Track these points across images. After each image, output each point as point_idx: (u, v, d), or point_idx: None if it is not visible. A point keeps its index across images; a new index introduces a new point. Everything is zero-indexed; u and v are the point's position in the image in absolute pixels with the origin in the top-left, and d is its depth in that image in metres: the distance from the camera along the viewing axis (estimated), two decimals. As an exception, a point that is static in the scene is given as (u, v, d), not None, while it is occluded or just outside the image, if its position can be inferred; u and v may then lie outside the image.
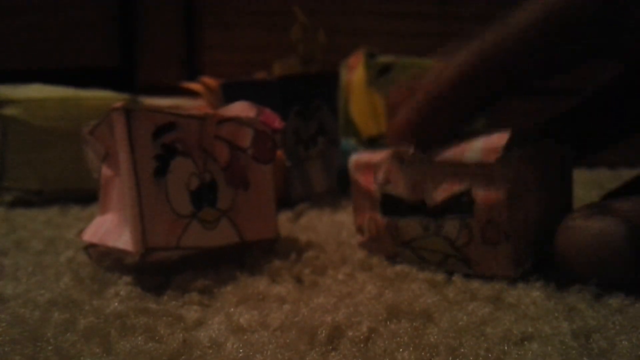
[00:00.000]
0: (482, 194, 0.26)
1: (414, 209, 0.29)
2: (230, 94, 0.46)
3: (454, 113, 0.27)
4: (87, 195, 0.43)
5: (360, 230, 0.32)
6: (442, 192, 0.28)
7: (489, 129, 0.27)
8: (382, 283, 0.27)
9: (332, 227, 0.38)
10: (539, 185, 0.28)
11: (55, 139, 0.49)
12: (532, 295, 0.25)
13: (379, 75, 0.69)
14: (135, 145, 0.27)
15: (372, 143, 0.65)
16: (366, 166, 0.31)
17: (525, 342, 0.21)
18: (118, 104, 0.27)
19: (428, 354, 0.21)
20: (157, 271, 0.29)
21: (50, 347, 0.21)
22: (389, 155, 0.29)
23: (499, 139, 0.26)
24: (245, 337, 0.22)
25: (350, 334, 0.22)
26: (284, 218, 0.40)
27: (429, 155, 0.28)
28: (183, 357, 0.21)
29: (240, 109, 0.32)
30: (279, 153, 0.42)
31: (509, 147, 0.25)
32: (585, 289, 0.25)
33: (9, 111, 0.49)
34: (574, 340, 0.21)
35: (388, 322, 0.23)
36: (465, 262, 0.28)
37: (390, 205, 0.30)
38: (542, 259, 0.28)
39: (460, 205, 0.27)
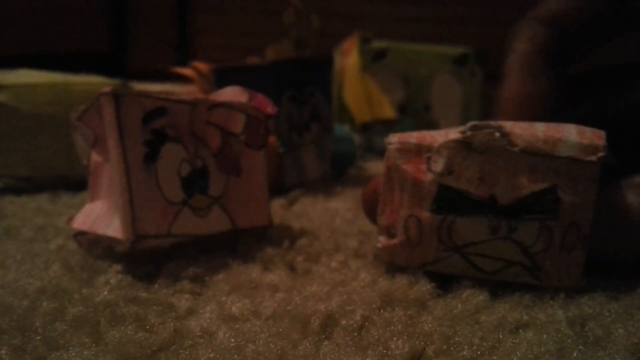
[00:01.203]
0: (569, 192, 0.23)
1: (478, 208, 0.24)
2: (222, 79, 0.45)
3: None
4: (77, 182, 0.42)
5: (387, 231, 0.26)
6: (521, 188, 0.23)
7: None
8: (375, 271, 0.27)
9: (325, 214, 0.38)
10: None
11: (44, 125, 0.49)
12: (527, 283, 0.25)
13: (373, 60, 0.69)
14: (124, 130, 0.27)
15: (366, 129, 0.64)
16: (416, 150, 0.25)
17: (520, 330, 0.21)
18: (107, 89, 0.26)
19: (422, 343, 0.20)
20: (148, 259, 0.28)
21: (38, 337, 0.21)
22: (454, 138, 0.24)
23: (595, 135, 0.23)
24: (237, 326, 0.22)
25: (343, 322, 0.22)
26: (276, 205, 0.40)
27: (510, 141, 0.24)
28: (174, 346, 0.21)
29: (232, 94, 0.31)
30: (272, 139, 0.41)
31: (605, 146, 0.23)
32: (583, 275, 0.24)
33: (-2, 97, 0.48)
34: (569, 328, 0.21)
35: (382, 311, 0.23)
36: (533, 271, 0.24)
37: (446, 201, 0.25)
38: None
39: (542, 205, 0.23)
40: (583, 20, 0.25)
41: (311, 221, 0.36)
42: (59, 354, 0.20)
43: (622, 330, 0.20)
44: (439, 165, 0.24)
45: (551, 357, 0.19)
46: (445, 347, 0.20)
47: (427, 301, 0.24)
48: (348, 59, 0.69)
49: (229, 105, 0.30)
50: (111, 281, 0.26)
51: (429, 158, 0.25)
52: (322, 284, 0.25)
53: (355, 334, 0.21)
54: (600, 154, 0.23)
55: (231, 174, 0.31)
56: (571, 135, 0.23)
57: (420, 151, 0.25)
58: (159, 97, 0.28)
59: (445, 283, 0.25)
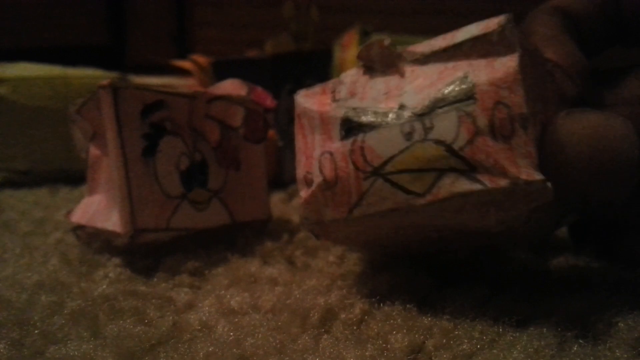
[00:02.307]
0: (485, 72, 0.20)
1: (387, 119, 0.21)
2: (221, 72, 0.45)
3: None
4: (76, 176, 0.42)
5: (305, 181, 0.24)
6: (429, 87, 0.21)
7: None
8: (375, 264, 0.27)
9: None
10: (535, 97, 0.21)
11: (43, 118, 0.49)
12: (528, 277, 0.25)
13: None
14: (123, 124, 0.26)
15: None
16: (321, 90, 0.24)
17: (520, 324, 0.21)
18: (105, 82, 0.26)
19: (422, 336, 0.20)
20: (146, 253, 0.28)
21: (36, 331, 0.21)
22: (356, 68, 0.23)
23: (497, 17, 0.20)
24: (236, 319, 0.22)
25: (343, 316, 0.22)
26: (276, 199, 0.40)
27: (409, 52, 0.22)
28: (173, 340, 0.21)
29: (231, 87, 0.31)
30: (271, 132, 0.41)
31: (510, 20, 0.20)
32: (584, 268, 0.24)
33: (-4, 90, 0.48)
34: (570, 322, 0.21)
35: (381, 304, 0.23)
36: (470, 174, 0.20)
37: (353, 123, 0.22)
38: None
39: (456, 95, 0.20)
40: (579, 24, 0.24)
41: (310, 215, 0.36)
42: (57, 347, 0.20)
43: (622, 325, 0.20)
44: (342, 92, 0.23)
45: (551, 351, 0.19)
46: (444, 340, 0.20)
47: (427, 295, 0.24)
48: (348, 52, 0.68)
49: (228, 99, 0.30)
50: (110, 275, 0.26)
51: (333, 92, 0.23)
52: (321, 278, 0.25)
53: (355, 327, 0.21)
54: (502, 21, 0.20)
55: (230, 167, 0.31)
56: (472, 25, 0.21)
57: (324, 90, 0.24)
58: (158, 90, 0.28)
59: (445, 277, 0.25)
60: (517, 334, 0.20)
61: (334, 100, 0.23)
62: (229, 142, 0.31)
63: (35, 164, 0.48)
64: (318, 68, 0.48)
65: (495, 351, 0.19)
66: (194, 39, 0.88)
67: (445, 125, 0.20)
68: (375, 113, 0.22)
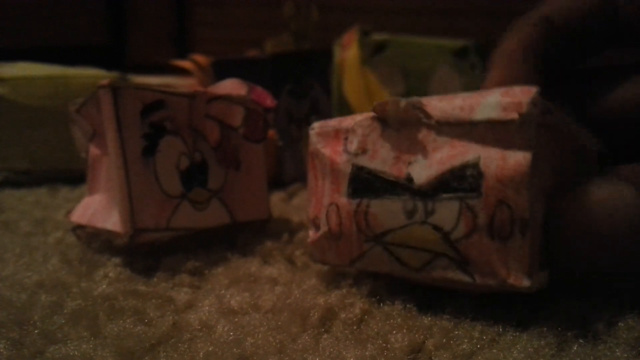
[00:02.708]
0: (495, 165, 0.19)
1: (394, 189, 0.21)
2: (221, 72, 0.45)
3: None
4: (76, 176, 0.42)
5: (314, 224, 0.24)
6: (438, 164, 0.20)
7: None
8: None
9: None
10: (552, 174, 0.20)
11: (43, 118, 0.49)
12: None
13: (373, 53, 0.68)
14: (122, 123, 0.26)
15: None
16: (334, 133, 0.23)
17: (521, 324, 0.21)
18: (105, 82, 0.26)
19: (422, 336, 0.20)
20: (146, 253, 0.28)
21: (36, 331, 0.21)
22: (369, 116, 0.22)
23: (522, 92, 0.19)
24: (236, 319, 0.22)
25: (343, 316, 0.22)
26: (276, 198, 0.40)
27: (426, 113, 0.21)
28: (173, 340, 0.21)
29: (231, 86, 0.31)
30: (271, 132, 0.41)
31: (535, 103, 0.19)
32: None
33: (-4, 90, 0.48)
34: (570, 322, 0.21)
35: (381, 304, 0.23)
36: (461, 264, 0.20)
37: (363, 184, 0.22)
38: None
39: (462, 181, 0.20)
40: (574, 24, 0.24)
41: (310, 215, 0.36)
42: (57, 347, 0.20)
43: (622, 325, 0.20)
44: (353, 144, 0.22)
45: (551, 351, 0.19)
46: (444, 340, 0.20)
47: (427, 294, 0.23)
48: (348, 52, 0.68)
49: (227, 98, 0.30)
50: (110, 274, 0.26)
51: (345, 139, 0.23)
52: (321, 278, 0.25)
53: (355, 327, 0.21)
54: (524, 110, 0.19)
55: (230, 167, 0.31)
56: (492, 96, 0.20)
57: (338, 134, 0.23)
58: (158, 89, 0.28)
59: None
60: (517, 334, 0.20)
61: (345, 151, 0.23)
62: (228, 141, 0.31)
63: (35, 164, 0.48)
64: (318, 68, 0.48)
65: (495, 351, 0.19)
66: (194, 39, 0.88)
67: (446, 214, 0.20)
68: (383, 181, 0.22)
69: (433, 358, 0.19)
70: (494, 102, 0.19)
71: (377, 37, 0.68)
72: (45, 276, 0.26)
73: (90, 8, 0.86)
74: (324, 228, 0.23)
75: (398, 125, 0.22)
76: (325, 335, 0.21)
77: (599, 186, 0.19)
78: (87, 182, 0.30)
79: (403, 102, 0.21)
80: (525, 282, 0.19)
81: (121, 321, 0.22)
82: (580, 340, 0.19)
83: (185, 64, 0.49)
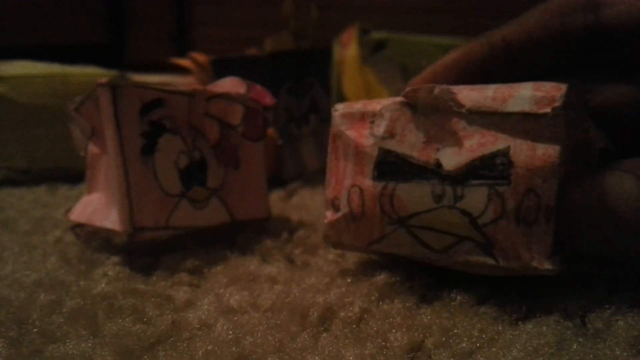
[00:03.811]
0: (525, 155, 0.20)
1: (422, 174, 0.22)
2: (220, 70, 0.45)
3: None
4: (75, 174, 0.42)
5: (333, 204, 0.24)
6: (468, 151, 0.21)
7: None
8: (374, 263, 0.27)
9: (324, 206, 0.38)
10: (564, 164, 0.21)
11: (42, 116, 0.49)
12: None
13: (372, 52, 0.68)
14: (121, 122, 0.26)
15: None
16: (360, 116, 0.24)
17: (519, 322, 0.21)
18: (103, 80, 0.26)
19: (421, 335, 0.20)
20: (145, 251, 0.28)
21: (35, 330, 0.21)
22: (398, 100, 0.23)
23: (554, 88, 0.20)
24: (236, 318, 0.22)
25: (342, 314, 0.22)
26: (275, 197, 0.40)
27: (457, 102, 0.21)
28: (172, 338, 0.21)
29: (230, 85, 0.31)
30: (271, 131, 0.41)
31: (566, 100, 0.20)
32: (583, 266, 0.24)
33: (-5, 88, 0.48)
34: (569, 321, 0.21)
35: (380, 303, 0.23)
36: (486, 248, 0.21)
37: (389, 168, 0.23)
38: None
39: (492, 169, 0.20)
40: (531, 49, 0.24)
41: (310, 213, 0.36)
42: (56, 346, 0.20)
43: (622, 323, 0.20)
44: (381, 128, 0.23)
45: (550, 350, 0.19)
46: (444, 339, 0.20)
47: (426, 293, 0.24)
48: (347, 50, 0.68)
49: (227, 97, 0.30)
50: (109, 273, 0.26)
51: (372, 122, 0.23)
52: (320, 276, 0.25)
53: (354, 326, 0.21)
54: (556, 105, 0.20)
55: (229, 166, 0.31)
56: (525, 89, 0.21)
57: (364, 117, 0.24)
58: (157, 88, 0.28)
59: (444, 275, 0.25)
60: (517, 332, 0.20)
61: (372, 134, 0.23)
62: (228, 140, 0.31)
63: (34, 163, 0.48)
64: (317, 66, 0.48)
65: (494, 349, 0.19)
66: (194, 37, 0.88)
67: (475, 200, 0.21)
68: (411, 166, 0.22)
69: (432, 357, 0.19)
70: (527, 95, 0.20)
71: (377, 35, 0.68)
72: (44, 275, 0.26)
73: (90, 6, 0.86)
74: (344, 209, 0.24)
75: (428, 112, 0.22)
76: (324, 334, 0.21)
77: (604, 177, 0.21)
78: (86, 180, 0.30)
79: (437, 89, 0.22)
80: (548, 265, 0.20)
81: (120, 320, 0.22)
82: (580, 339, 0.19)
83: (184, 62, 0.49)
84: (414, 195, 0.22)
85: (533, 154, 0.20)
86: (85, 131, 0.29)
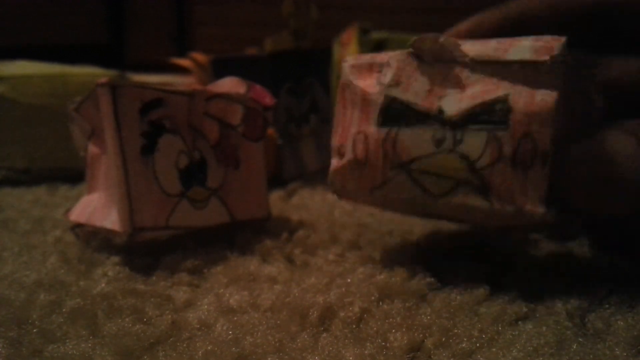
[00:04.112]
0: (523, 101, 0.21)
1: (425, 120, 0.23)
2: (220, 70, 0.45)
3: None
4: (75, 174, 0.42)
5: (338, 152, 0.25)
6: (469, 98, 0.22)
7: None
8: (374, 263, 0.27)
9: (324, 206, 0.38)
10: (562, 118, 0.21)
11: (42, 116, 0.49)
12: (527, 275, 0.25)
13: (372, 51, 0.68)
14: (121, 122, 0.26)
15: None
16: (368, 66, 0.25)
17: (520, 322, 0.21)
18: (103, 80, 0.26)
19: (421, 335, 0.20)
20: (145, 251, 0.28)
21: (35, 330, 0.21)
22: (404, 51, 0.24)
23: (553, 39, 0.21)
24: (235, 318, 0.22)
25: (342, 314, 0.22)
26: (275, 197, 0.40)
27: (461, 51, 0.22)
28: (172, 338, 0.21)
29: (230, 84, 0.31)
30: (271, 131, 0.41)
31: (564, 49, 0.21)
32: (583, 266, 0.24)
33: (-6, 88, 0.48)
34: (569, 320, 0.21)
35: (380, 303, 0.23)
36: (482, 191, 0.22)
37: (394, 114, 0.23)
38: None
39: (491, 114, 0.21)
40: (543, 22, 0.24)
41: (310, 213, 0.36)
42: (55, 346, 0.20)
43: (622, 323, 0.20)
44: (387, 76, 0.24)
45: (550, 350, 0.19)
46: (444, 339, 0.20)
47: (426, 293, 0.24)
48: (347, 50, 0.68)
49: (227, 97, 0.30)
50: (109, 273, 0.26)
51: (379, 72, 0.24)
52: (320, 276, 0.25)
53: (354, 326, 0.21)
54: (555, 53, 0.21)
55: (229, 166, 0.31)
56: (525, 40, 0.21)
57: (372, 67, 0.24)
58: (157, 88, 0.28)
59: (444, 275, 0.25)
60: (517, 333, 0.20)
61: (379, 82, 0.24)
62: (228, 140, 0.31)
63: (34, 163, 0.48)
64: (317, 66, 0.48)
65: (494, 349, 0.19)
66: (193, 37, 0.88)
67: (474, 143, 0.21)
68: (414, 112, 0.23)
69: (432, 357, 0.19)
70: (527, 45, 0.21)
71: (377, 35, 0.68)
72: (44, 275, 0.26)
73: (90, 6, 0.86)
74: (349, 156, 0.24)
75: (433, 61, 0.23)
76: (324, 334, 0.21)
77: (605, 136, 0.21)
78: (86, 180, 0.30)
79: (442, 39, 0.22)
80: (541, 209, 0.21)
81: (120, 320, 0.22)
82: (580, 339, 0.19)
83: (184, 62, 0.49)
84: (415, 140, 0.23)
85: (531, 100, 0.21)
86: (85, 131, 0.29)
